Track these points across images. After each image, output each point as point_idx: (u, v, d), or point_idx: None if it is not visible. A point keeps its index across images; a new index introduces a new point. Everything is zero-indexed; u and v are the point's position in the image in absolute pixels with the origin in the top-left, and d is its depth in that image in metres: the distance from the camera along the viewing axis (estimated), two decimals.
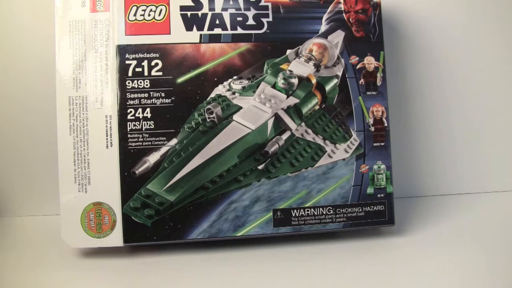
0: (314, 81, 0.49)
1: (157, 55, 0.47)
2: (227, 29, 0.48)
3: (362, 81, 0.50)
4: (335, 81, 0.50)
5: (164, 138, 0.46)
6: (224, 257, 0.46)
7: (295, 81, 0.49)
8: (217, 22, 0.48)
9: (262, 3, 0.49)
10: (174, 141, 0.46)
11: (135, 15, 0.47)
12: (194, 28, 0.48)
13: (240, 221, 0.47)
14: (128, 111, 0.46)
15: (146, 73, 0.46)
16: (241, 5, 0.49)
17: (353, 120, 0.50)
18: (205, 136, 0.46)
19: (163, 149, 0.46)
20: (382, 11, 0.52)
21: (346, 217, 0.49)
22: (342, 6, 0.51)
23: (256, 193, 0.47)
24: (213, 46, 0.48)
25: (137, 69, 0.46)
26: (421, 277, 0.42)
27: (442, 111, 0.64)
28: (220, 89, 0.48)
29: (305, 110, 0.49)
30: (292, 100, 0.48)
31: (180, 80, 0.47)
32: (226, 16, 0.48)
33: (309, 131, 0.49)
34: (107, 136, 0.46)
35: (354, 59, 0.51)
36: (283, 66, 0.49)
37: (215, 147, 0.46)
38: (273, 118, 0.48)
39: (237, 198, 0.47)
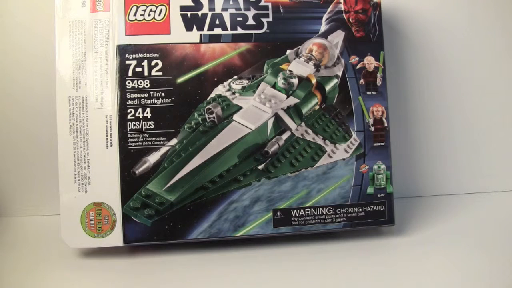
0: (314, 81, 0.49)
1: (157, 55, 0.47)
2: (227, 29, 0.48)
3: (362, 81, 0.50)
4: (335, 81, 0.50)
5: (164, 138, 0.46)
6: (224, 257, 0.46)
7: (295, 81, 0.49)
8: (217, 22, 0.48)
9: (262, 3, 0.49)
10: (174, 141, 0.46)
11: (135, 15, 0.47)
12: (194, 28, 0.48)
13: (240, 221, 0.47)
14: (128, 111, 0.46)
15: (146, 73, 0.46)
16: (241, 5, 0.49)
17: (353, 120, 0.50)
18: (205, 136, 0.46)
19: (163, 149, 0.46)
20: (382, 11, 0.52)
21: (346, 217, 0.49)
22: (342, 6, 0.51)
23: (256, 193, 0.47)
24: (213, 46, 0.48)
25: (137, 69, 0.46)
26: (421, 277, 0.42)
27: (442, 111, 0.64)
28: (220, 89, 0.47)
29: (305, 110, 0.49)
30: (292, 100, 0.48)
31: (180, 80, 0.47)
32: (226, 16, 0.48)
33: (309, 131, 0.49)
34: (107, 136, 0.46)
35: (354, 59, 0.51)
36: (283, 66, 0.49)
37: (215, 147, 0.46)
38: (273, 118, 0.48)
39: (237, 198, 0.47)
